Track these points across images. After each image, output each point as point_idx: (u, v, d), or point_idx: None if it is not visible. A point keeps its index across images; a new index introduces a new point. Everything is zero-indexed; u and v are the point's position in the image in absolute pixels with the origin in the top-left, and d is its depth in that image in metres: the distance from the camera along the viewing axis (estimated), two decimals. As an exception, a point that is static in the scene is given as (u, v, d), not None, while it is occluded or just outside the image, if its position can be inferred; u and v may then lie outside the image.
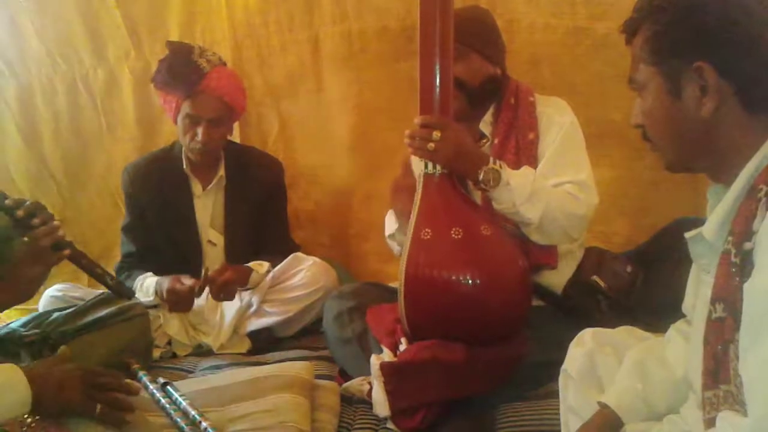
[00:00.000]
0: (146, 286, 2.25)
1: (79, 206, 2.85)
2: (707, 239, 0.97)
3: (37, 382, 1.23)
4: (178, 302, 2.17)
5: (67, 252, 1.70)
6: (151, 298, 2.22)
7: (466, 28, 1.80)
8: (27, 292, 1.63)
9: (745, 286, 0.86)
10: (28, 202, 1.67)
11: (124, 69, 2.73)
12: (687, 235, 1.02)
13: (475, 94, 1.88)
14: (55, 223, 1.68)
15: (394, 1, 2.39)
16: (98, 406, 1.28)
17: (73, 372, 1.29)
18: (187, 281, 2.16)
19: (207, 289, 2.19)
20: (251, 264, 2.27)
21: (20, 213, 1.64)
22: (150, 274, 2.28)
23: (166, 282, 2.19)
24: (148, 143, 2.72)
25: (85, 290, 2.33)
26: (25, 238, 1.63)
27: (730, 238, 0.91)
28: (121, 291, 1.92)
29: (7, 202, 1.65)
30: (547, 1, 2.40)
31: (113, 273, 2.33)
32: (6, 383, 1.21)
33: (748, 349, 0.85)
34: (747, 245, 0.87)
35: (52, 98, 2.79)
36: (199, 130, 2.25)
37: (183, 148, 2.35)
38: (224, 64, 2.35)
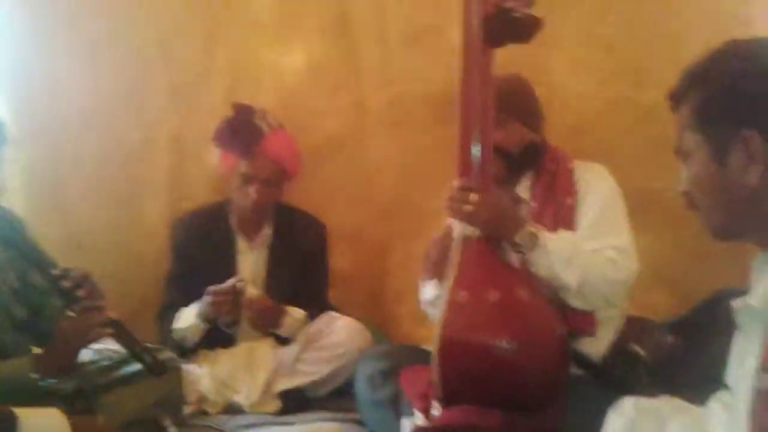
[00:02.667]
0: (187, 311, 2.27)
1: (104, 269, 2.77)
2: (755, 307, 0.95)
3: None
4: (222, 302, 2.19)
5: (109, 331, 1.71)
6: (193, 321, 2.24)
7: (506, 97, 1.84)
8: (65, 366, 1.63)
9: (794, 354, 0.83)
10: (75, 272, 1.67)
11: (162, 131, 2.70)
12: (734, 303, 0.99)
13: (514, 160, 1.92)
14: (101, 303, 1.68)
15: (438, 68, 2.44)
16: None
17: None
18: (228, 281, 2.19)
19: (239, 349, 2.19)
20: (287, 308, 2.28)
21: (67, 283, 1.64)
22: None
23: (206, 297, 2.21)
24: (175, 208, 2.68)
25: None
26: (71, 313, 1.63)
27: (778, 306, 0.89)
28: (157, 370, 1.91)
29: (54, 271, 1.66)
30: (591, 68, 2.42)
31: (156, 319, 2.39)
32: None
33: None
34: (795, 314, 0.84)
35: (82, 160, 2.69)
36: (252, 189, 2.31)
37: (232, 205, 2.42)
38: (283, 128, 2.42)
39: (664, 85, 1.09)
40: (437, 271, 1.80)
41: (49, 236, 2.61)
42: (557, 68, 2.44)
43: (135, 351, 1.82)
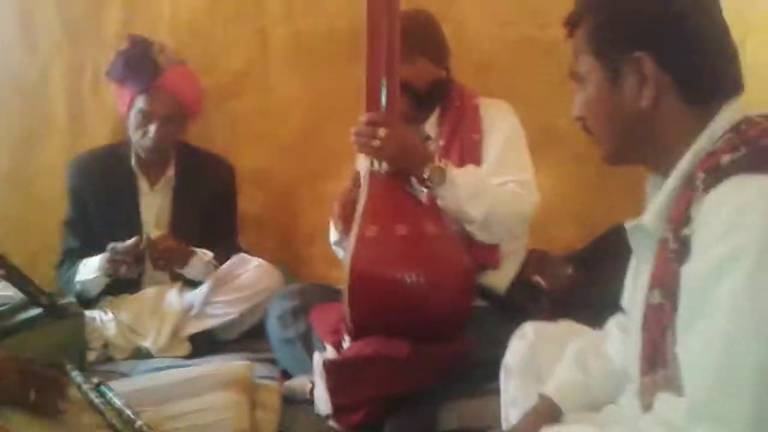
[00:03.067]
0: (90, 263, 2.20)
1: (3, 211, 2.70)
2: (647, 228, 0.99)
3: None
4: (122, 260, 2.13)
5: (1, 272, 1.64)
6: (95, 274, 2.18)
7: (412, 32, 1.83)
8: None
9: (683, 269, 0.88)
10: None
11: (57, 65, 2.62)
12: (627, 224, 1.03)
13: (420, 96, 1.92)
14: None
15: (342, 3, 2.40)
16: (32, 394, 1.24)
17: (6, 360, 1.25)
18: (129, 240, 2.12)
19: (145, 294, 2.15)
20: (195, 249, 2.23)
21: None
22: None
23: (107, 251, 2.15)
24: (76, 144, 2.59)
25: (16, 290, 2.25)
26: None
27: (668, 226, 0.93)
28: (55, 311, 1.85)
29: None
30: (495, 9, 2.44)
31: (55, 268, 2.30)
32: None
33: (685, 331, 0.87)
34: (684, 231, 0.89)
35: None
36: (152, 127, 2.22)
37: (132, 145, 2.31)
38: (183, 63, 2.32)
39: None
40: (346, 223, 1.79)
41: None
42: (462, 8, 2.44)
43: (29, 291, 1.76)
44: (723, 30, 0.98)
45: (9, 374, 1.24)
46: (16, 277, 1.73)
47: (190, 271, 2.22)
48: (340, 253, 1.98)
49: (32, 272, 1.95)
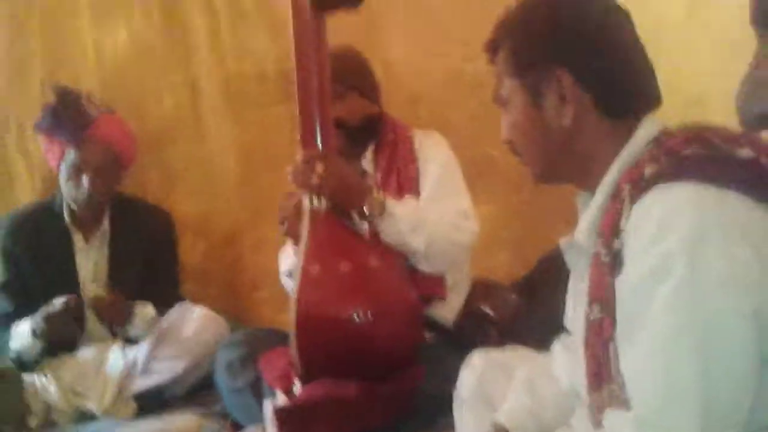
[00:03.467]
0: (21, 330, 2.13)
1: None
2: (579, 243, 1.00)
3: None
4: (57, 325, 2.07)
5: None
6: (30, 341, 2.10)
7: (342, 68, 1.84)
8: None
9: (617, 282, 0.88)
10: None
11: None
12: (561, 241, 1.04)
13: (355, 132, 1.92)
14: None
15: (269, 44, 2.42)
16: None
17: None
18: (59, 300, 2.06)
19: (85, 353, 2.09)
20: (135, 303, 2.18)
21: None
22: (25, 320, 2.15)
23: (39, 314, 2.08)
24: (5, 202, 2.55)
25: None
26: None
27: (599, 240, 0.94)
28: None
29: None
30: (422, 42, 2.48)
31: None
32: None
33: (626, 344, 0.87)
34: (615, 244, 0.90)
35: None
36: (85, 179, 2.18)
37: (64, 200, 2.26)
38: (112, 111, 2.29)
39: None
40: (294, 232, 1.77)
41: None
42: (389, 41, 2.48)
43: None
44: (638, 45, 1.01)
45: None
46: None
47: (132, 329, 2.16)
48: (289, 285, 1.94)
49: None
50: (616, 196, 0.93)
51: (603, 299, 0.91)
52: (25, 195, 2.50)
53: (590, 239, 0.97)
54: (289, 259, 1.94)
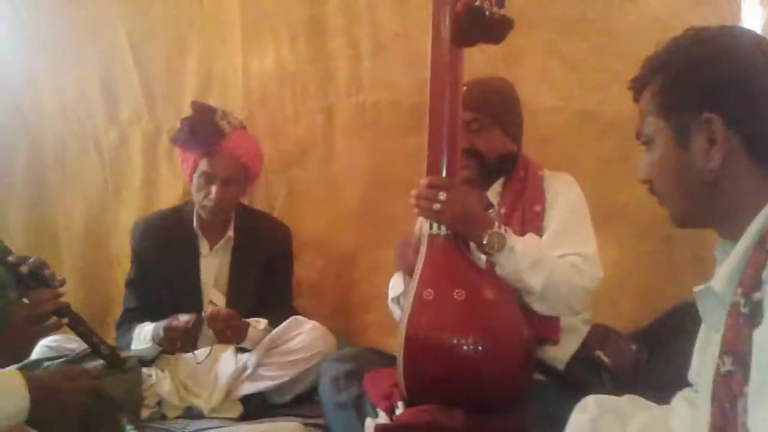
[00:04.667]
0: (144, 332, 2.24)
1: (75, 267, 2.82)
2: (716, 292, 0.96)
3: (39, 392, 1.19)
4: (176, 339, 2.15)
5: (65, 321, 1.68)
6: (149, 345, 2.21)
7: (492, 101, 1.89)
8: (19, 354, 1.60)
9: (755, 335, 0.84)
10: (32, 260, 1.64)
11: (136, 131, 2.78)
12: (696, 289, 1.00)
13: (490, 166, 1.93)
14: (60, 289, 1.65)
15: (406, 75, 2.47)
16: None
17: (79, 393, 1.25)
18: (184, 317, 2.14)
19: (202, 352, 2.18)
20: (249, 320, 2.24)
21: (24, 269, 1.61)
22: (149, 323, 2.26)
23: (162, 323, 2.18)
24: (150, 206, 2.73)
25: (79, 342, 2.28)
26: (25, 300, 1.59)
27: (739, 290, 0.90)
28: (114, 362, 1.87)
29: (10, 258, 1.63)
30: (556, 84, 2.46)
31: (115, 327, 2.37)
32: (4, 390, 1.17)
33: (756, 401, 0.82)
34: (756, 295, 0.86)
35: (62, 156, 2.82)
36: (213, 189, 2.29)
37: (194, 207, 2.39)
38: (245, 128, 2.41)
39: (626, 101, 1.11)
40: (409, 267, 1.77)
41: (29, 227, 2.78)
42: (523, 82, 2.47)
43: (91, 341, 1.79)
44: None
45: (74, 409, 1.24)
46: (79, 327, 1.76)
47: (248, 343, 2.24)
48: (396, 312, 1.96)
49: (101, 327, 2.00)
50: (760, 246, 0.89)
51: (737, 351, 0.87)
52: (169, 202, 2.65)
53: (728, 289, 0.93)
54: (398, 286, 1.94)
